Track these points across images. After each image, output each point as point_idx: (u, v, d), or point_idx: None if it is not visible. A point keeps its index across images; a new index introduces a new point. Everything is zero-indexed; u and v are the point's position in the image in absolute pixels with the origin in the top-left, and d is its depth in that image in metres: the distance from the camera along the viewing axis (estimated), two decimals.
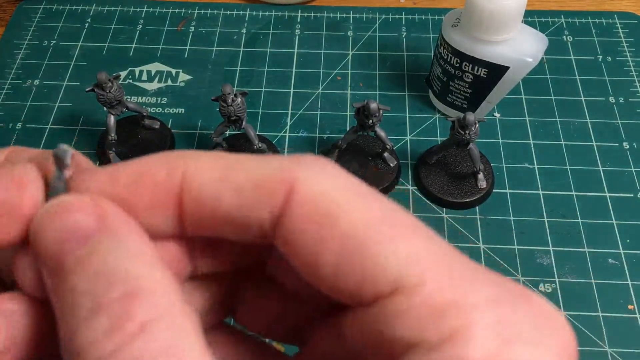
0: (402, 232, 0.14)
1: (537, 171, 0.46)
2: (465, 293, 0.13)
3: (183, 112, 0.50)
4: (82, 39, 0.55)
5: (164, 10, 0.58)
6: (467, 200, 0.44)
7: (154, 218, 0.15)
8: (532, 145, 0.48)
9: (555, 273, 0.41)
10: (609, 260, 0.41)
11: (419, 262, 0.14)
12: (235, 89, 0.45)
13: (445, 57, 0.45)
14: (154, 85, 0.52)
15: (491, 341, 0.13)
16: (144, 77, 0.53)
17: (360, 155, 0.46)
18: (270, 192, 0.15)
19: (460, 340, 0.13)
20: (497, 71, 0.43)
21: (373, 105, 0.40)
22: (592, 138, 0.48)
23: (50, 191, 0.15)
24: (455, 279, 0.14)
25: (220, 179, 0.15)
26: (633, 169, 0.46)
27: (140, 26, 0.56)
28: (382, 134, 0.43)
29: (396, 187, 0.45)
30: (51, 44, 0.55)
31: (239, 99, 0.41)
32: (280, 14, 0.58)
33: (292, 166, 0.15)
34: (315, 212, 0.14)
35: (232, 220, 0.15)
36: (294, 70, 0.53)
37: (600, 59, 0.53)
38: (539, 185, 0.45)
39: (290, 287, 0.18)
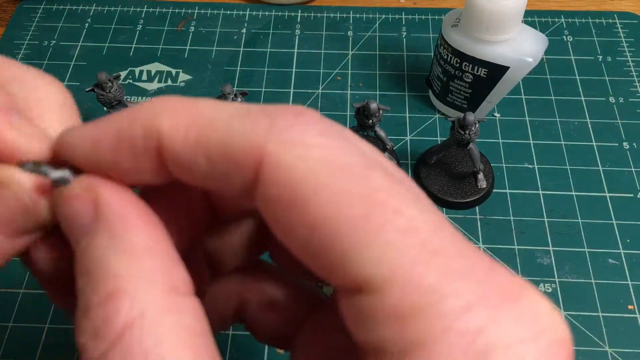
0: (379, 220, 0.13)
1: (537, 171, 0.46)
2: (440, 298, 0.12)
3: None
4: (82, 39, 0.55)
5: (164, 10, 0.58)
6: (467, 200, 0.44)
7: (143, 176, 0.15)
8: (532, 145, 0.48)
9: (555, 273, 0.41)
10: (609, 260, 0.41)
11: (390, 259, 0.12)
12: (235, 89, 0.45)
13: (445, 57, 0.45)
14: (154, 85, 0.52)
15: (461, 354, 0.11)
16: (144, 77, 0.53)
17: None
18: (239, 164, 0.14)
19: (421, 352, 0.12)
20: (497, 71, 0.43)
21: (373, 105, 0.40)
22: (592, 138, 0.48)
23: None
24: (432, 279, 0.12)
25: (193, 146, 0.14)
26: (633, 169, 0.46)
27: (140, 26, 0.56)
28: (382, 134, 0.43)
29: None
30: (51, 44, 0.55)
31: (239, 99, 0.41)
32: (280, 14, 0.58)
33: (263, 130, 0.14)
34: (282, 194, 0.13)
35: (212, 182, 0.15)
36: (294, 70, 0.53)
37: (600, 59, 0.53)
38: (539, 185, 0.45)
39: None
